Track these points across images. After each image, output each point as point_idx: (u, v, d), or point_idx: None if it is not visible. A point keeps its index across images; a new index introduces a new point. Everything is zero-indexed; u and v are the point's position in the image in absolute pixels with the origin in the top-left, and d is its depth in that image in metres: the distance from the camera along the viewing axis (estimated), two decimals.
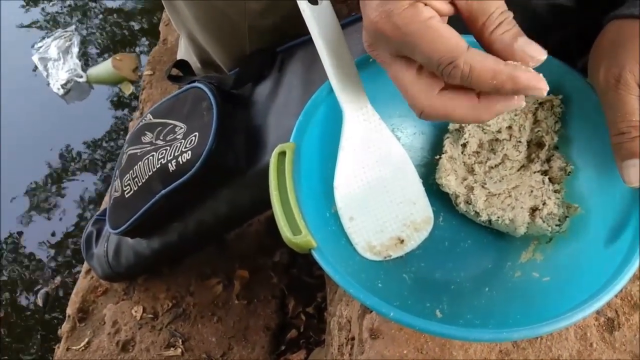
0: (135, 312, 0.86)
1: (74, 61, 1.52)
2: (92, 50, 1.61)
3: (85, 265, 0.94)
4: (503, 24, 0.32)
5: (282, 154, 0.43)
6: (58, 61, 1.53)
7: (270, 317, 0.85)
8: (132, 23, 1.68)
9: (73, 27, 1.63)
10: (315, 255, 0.37)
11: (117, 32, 1.66)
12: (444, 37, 0.32)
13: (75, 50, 1.55)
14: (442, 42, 0.31)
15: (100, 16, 1.69)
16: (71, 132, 1.45)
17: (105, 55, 1.58)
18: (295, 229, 0.38)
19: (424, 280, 0.47)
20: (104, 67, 1.52)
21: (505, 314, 0.42)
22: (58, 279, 1.21)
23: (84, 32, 1.64)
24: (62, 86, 1.50)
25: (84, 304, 0.90)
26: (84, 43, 1.60)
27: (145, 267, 0.83)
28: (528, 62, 0.32)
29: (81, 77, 1.51)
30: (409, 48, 0.33)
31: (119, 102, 1.49)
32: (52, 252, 1.25)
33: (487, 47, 0.33)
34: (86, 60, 1.58)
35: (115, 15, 1.69)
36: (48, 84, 1.51)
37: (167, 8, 0.73)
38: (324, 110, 0.47)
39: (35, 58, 1.55)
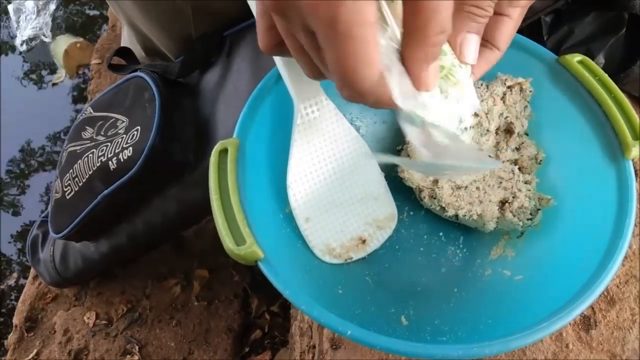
0: (88, 318, 0.81)
1: (45, 19, 1.38)
2: (70, 16, 1.44)
3: (33, 271, 0.87)
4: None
5: (224, 151, 0.38)
6: (32, 15, 1.39)
7: (232, 317, 0.80)
8: None
9: None
10: (263, 268, 0.33)
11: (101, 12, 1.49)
12: (372, 62, 0.23)
13: (52, 7, 1.40)
14: (368, 67, 0.23)
15: None
16: (33, 124, 1.32)
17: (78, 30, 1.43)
18: (240, 238, 0.33)
19: (388, 283, 0.43)
20: (61, 45, 1.37)
21: (476, 318, 0.38)
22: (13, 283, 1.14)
23: None
24: (26, 42, 1.37)
25: (32, 312, 0.84)
26: (65, 4, 1.45)
27: (96, 271, 0.77)
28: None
29: (47, 37, 1.37)
30: (328, 43, 0.23)
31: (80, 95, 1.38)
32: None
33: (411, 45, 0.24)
34: (59, 23, 1.41)
35: None
36: (14, 37, 1.37)
37: None
38: (273, 101, 0.42)
39: (10, 7, 1.40)
